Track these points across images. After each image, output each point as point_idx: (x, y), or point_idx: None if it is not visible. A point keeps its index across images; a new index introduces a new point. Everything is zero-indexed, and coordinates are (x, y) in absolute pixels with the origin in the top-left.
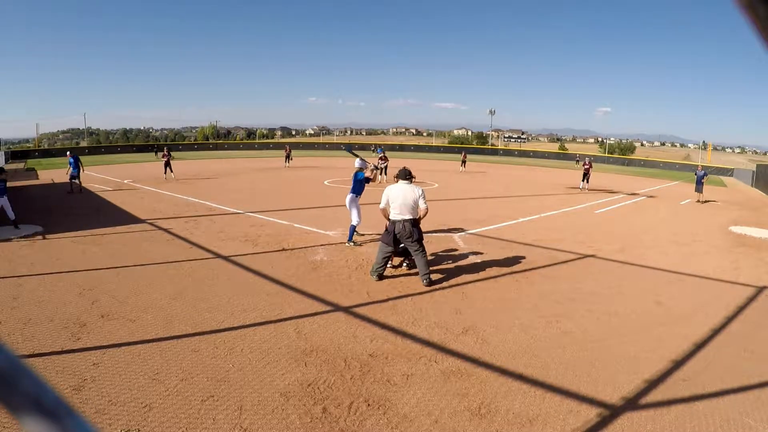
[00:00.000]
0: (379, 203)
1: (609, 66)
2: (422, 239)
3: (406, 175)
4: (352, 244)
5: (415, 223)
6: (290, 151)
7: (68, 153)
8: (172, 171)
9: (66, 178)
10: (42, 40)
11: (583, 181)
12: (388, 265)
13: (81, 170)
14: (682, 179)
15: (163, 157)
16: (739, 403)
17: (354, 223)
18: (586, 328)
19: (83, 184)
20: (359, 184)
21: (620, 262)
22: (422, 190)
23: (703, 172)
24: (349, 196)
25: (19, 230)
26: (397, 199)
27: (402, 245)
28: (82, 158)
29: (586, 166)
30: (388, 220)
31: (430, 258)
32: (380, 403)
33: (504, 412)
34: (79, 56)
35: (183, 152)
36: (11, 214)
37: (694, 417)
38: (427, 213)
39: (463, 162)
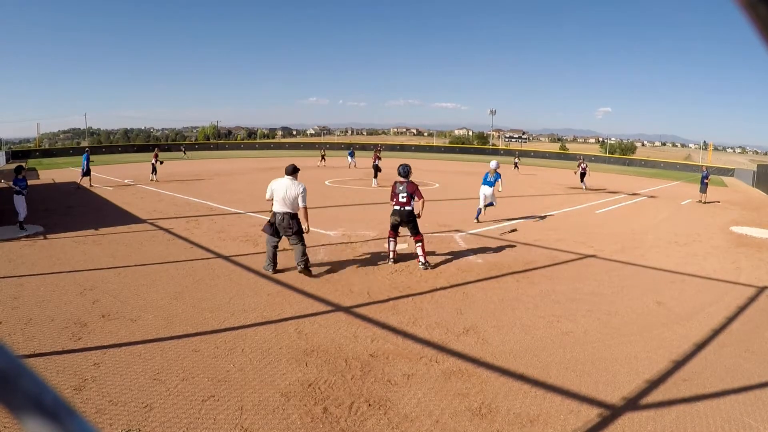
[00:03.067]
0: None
1: (609, 66)
2: (301, 232)
3: (292, 171)
4: (476, 221)
5: (293, 216)
6: (324, 152)
7: (87, 149)
8: (154, 173)
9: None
10: (43, 40)
11: (582, 181)
12: (392, 260)
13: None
14: (682, 179)
15: (155, 156)
16: (740, 403)
17: (480, 206)
18: (586, 328)
19: (81, 183)
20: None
21: (621, 263)
22: (303, 188)
23: (705, 172)
24: (485, 187)
25: (24, 230)
26: (279, 193)
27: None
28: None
29: (582, 167)
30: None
31: (430, 257)
32: (381, 403)
33: (505, 412)
34: (80, 56)
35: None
36: (21, 215)
37: (695, 417)
38: (306, 212)
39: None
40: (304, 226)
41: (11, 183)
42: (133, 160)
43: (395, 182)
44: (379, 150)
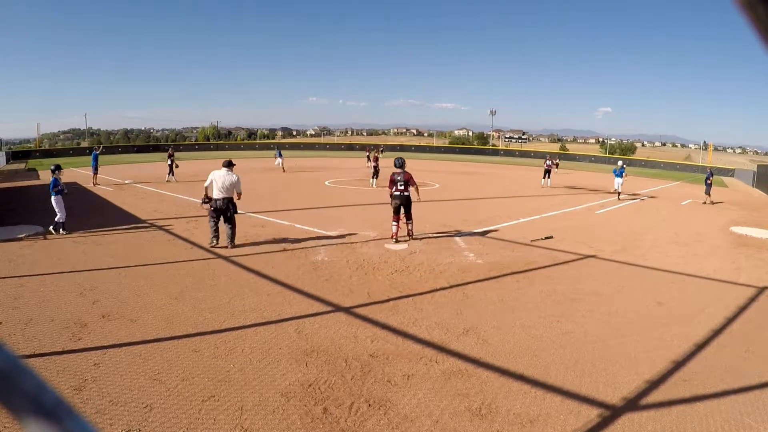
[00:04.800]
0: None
1: (609, 66)
2: (234, 214)
3: (228, 164)
4: (618, 197)
5: (230, 200)
6: (370, 151)
7: (96, 147)
8: (171, 173)
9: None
10: (43, 40)
11: (544, 178)
12: (394, 240)
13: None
14: (683, 179)
15: (169, 157)
16: (740, 403)
17: (616, 187)
18: (586, 329)
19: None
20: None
21: (621, 263)
22: (238, 178)
23: (708, 172)
24: (617, 179)
25: (65, 231)
26: (218, 182)
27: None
28: (84, 158)
29: (548, 164)
30: (208, 199)
31: (430, 256)
32: (381, 403)
33: (505, 413)
34: (80, 56)
35: (184, 152)
36: (58, 216)
37: (695, 417)
38: (240, 196)
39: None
40: (236, 208)
41: (55, 182)
42: (133, 161)
43: (393, 173)
44: (381, 151)
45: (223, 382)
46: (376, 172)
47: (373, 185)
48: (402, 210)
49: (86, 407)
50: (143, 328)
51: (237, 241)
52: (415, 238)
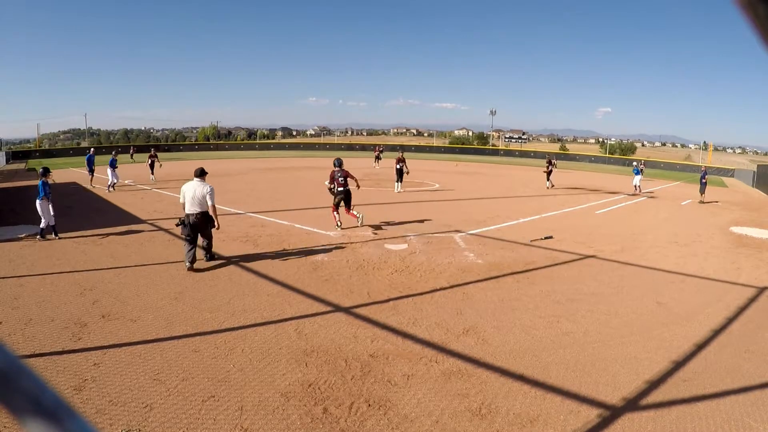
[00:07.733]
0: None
1: (609, 66)
2: (211, 228)
3: (200, 173)
4: (638, 192)
5: (204, 214)
6: (380, 152)
7: (92, 150)
8: (153, 173)
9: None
10: (43, 40)
11: (548, 180)
12: (339, 227)
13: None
14: (683, 180)
15: (150, 157)
16: (740, 403)
17: (635, 183)
18: (586, 329)
19: (83, 184)
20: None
21: (621, 263)
22: (211, 188)
23: (703, 171)
24: (636, 176)
25: (51, 238)
26: (188, 194)
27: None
28: (83, 158)
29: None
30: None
31: (431, 256)
32: (381, 403)
33: (505, 413)
34: (80, 56)
35: (184, 152)
36: (44, 221)
37: (695, 417)
38: (215, 209)
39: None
40: (215, 223)
41: (44, 186)
42: (133, 161)
43: (333, 171)
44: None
45: (223, 382)
46: (400, 175)
47: (399, 189)
48: (343, 203)
49: (86, 407)
50: (143, 328)
51: (236, 241)
52: (372, 226)
